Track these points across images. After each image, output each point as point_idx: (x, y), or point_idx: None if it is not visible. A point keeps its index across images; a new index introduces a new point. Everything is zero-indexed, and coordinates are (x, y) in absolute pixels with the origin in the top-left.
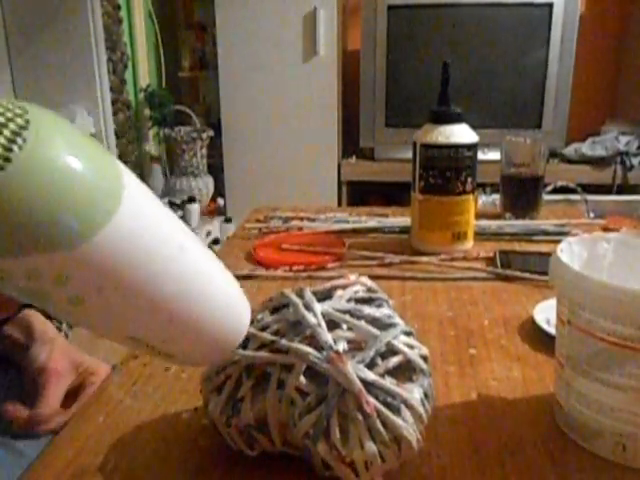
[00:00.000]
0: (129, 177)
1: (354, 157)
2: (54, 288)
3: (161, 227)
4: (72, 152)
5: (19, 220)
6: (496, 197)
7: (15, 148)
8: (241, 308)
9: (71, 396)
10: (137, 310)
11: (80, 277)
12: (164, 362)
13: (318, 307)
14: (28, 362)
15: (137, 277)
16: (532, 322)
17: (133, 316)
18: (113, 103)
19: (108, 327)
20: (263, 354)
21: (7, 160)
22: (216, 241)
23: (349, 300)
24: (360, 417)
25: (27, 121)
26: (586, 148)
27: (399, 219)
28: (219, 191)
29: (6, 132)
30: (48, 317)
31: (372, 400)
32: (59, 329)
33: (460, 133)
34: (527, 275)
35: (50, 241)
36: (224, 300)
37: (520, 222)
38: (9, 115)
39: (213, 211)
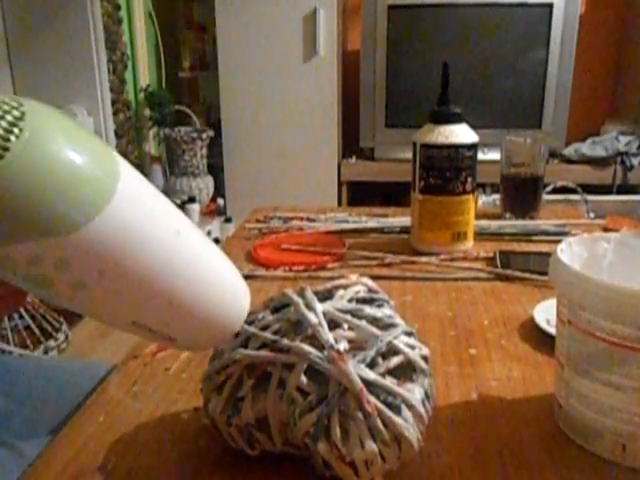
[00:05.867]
0: (124, 165)
1: (354, 157)
2: (56, 273)
3: (157, 213)
4: (67, 141)
5: (17, 207)
6: (496, 197)
7: (12, 138)
8: (240, 290)
9: None
10: (137, 294)
11: (80, 262)
12: (169, 347)
13: (319, 307)
14: None
15: (135, 261)
16: (532, 322)
17: (134, 300)
18: (113, 103)
19: (110, 312)
20: (264, 353)
21: (5, 149)
22: (216, 241)
23: (350, 300)
24: (361, 416)
25: (23, 113)
26: (586, 148)
27: (399, 219)
28: (219, 191)
29: (3, 123)
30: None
31: (373, 399)
32: (59, 330)
33: (460, 133)
34: (527, 275)
35: (47, 227)
36: (222, 282)
37: (520, 222)
38: (5, 108)
39: (213, 211)
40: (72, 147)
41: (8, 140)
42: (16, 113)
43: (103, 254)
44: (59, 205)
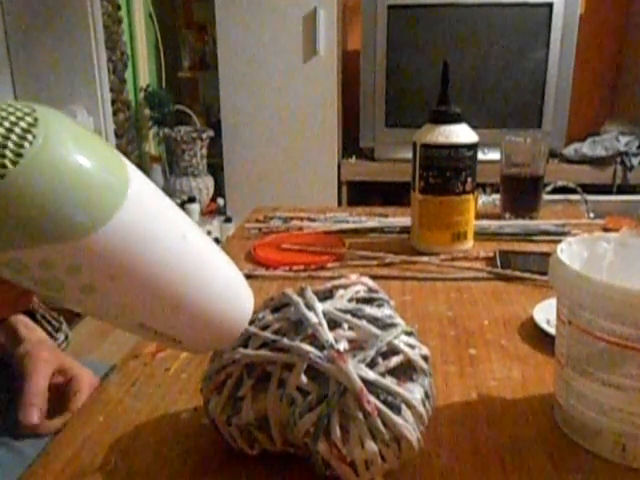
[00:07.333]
0: (133, 171)
1: (354, 157)
2: (67, 277)
3: (165, 217)
4: (79, 147)
5: (30, 212)
6: (496, 197)
7: (26, 144)
8: (244, 294)
9: (54, 400)
10: (145, 297)
11: (90, 266)
12: (173, 349)
13: (319, 306)
14: (15, 360)
15: (144, 265)
16: (532, 322)
17: (141, 303)
18: (113, 103)
19: (117, 315)
20: (264, 353)
21: (19, 156)
22: (216, 241)
23: (350, 300)
24: (361, 416)
25: (36, 119)
26: (586, 148)
27: (399, 219)
28: (219, 191)
29: (17, 130)
30: (36, 322)
31: (373, 399)
32: (59, 330)
33: (460, 133)
34: (527, 275)
35: (59, 232)
36: (227, 284)
37: (520, 222)
38: (19, 114)
39: (213, 211)
40: (84, 153)
41: (22, 146)
42: (29, 119)
43: (114, 259)
44: (71, 210)
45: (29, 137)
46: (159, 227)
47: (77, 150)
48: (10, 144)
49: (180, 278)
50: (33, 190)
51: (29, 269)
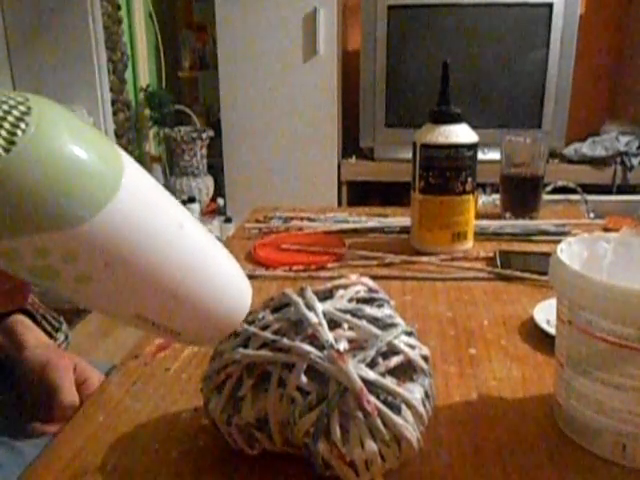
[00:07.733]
0: (128, 160)
1: (354, 157)
2: (62, 266)
3: (161, 207)
4: (73, 136)
5: (23, 200)
6: (496, 197)
7: (19, 132)
8: (242, 285)
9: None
10: (142, 287)
11: (85, 255)
12: (172, 341)
13: (319, 306)
14: (27, 364)
15: (139, 254)
16: (532, 322)
17: (138, 293)
18: (113, 103)
19: (113, 305)
20: (264, 353)
21: (12, 143)
22: None
23: (350, 300)
24: (361, 416)
25: (29, 108)
26: (586, 148)
27: (399, 219)
28: (219, 191)
29: (10, 118)
30: (36, 323)
31: (373, 399)
32: (59, 330)
33: (460, 133)
34: (527, 275)
35: (53, 220)
36: (225, 277)
37: (520, 222)
38: (12, 103)
39: (213, 211)
40: (77, 142)
41: (15, 134)
42: (22, 108)
43: (108, 247)
44: (64, 199)
45: (22, 125)
46: (155, 216)
47: (70, 138)
48: (3, 132)
49: (177, 267)
50: (26, 178)
51: (24, 258)
